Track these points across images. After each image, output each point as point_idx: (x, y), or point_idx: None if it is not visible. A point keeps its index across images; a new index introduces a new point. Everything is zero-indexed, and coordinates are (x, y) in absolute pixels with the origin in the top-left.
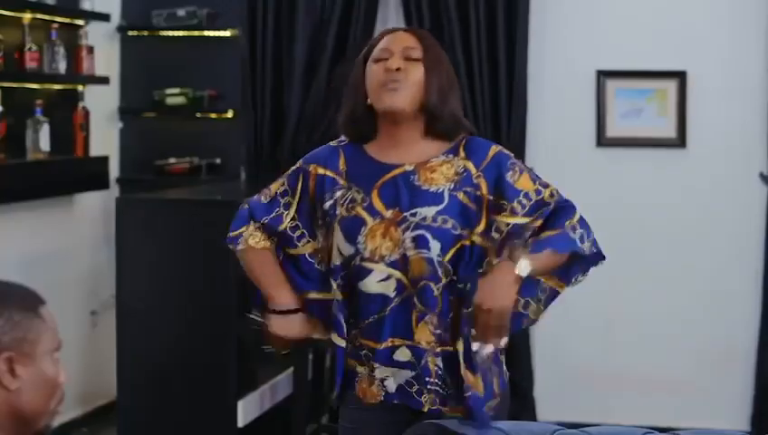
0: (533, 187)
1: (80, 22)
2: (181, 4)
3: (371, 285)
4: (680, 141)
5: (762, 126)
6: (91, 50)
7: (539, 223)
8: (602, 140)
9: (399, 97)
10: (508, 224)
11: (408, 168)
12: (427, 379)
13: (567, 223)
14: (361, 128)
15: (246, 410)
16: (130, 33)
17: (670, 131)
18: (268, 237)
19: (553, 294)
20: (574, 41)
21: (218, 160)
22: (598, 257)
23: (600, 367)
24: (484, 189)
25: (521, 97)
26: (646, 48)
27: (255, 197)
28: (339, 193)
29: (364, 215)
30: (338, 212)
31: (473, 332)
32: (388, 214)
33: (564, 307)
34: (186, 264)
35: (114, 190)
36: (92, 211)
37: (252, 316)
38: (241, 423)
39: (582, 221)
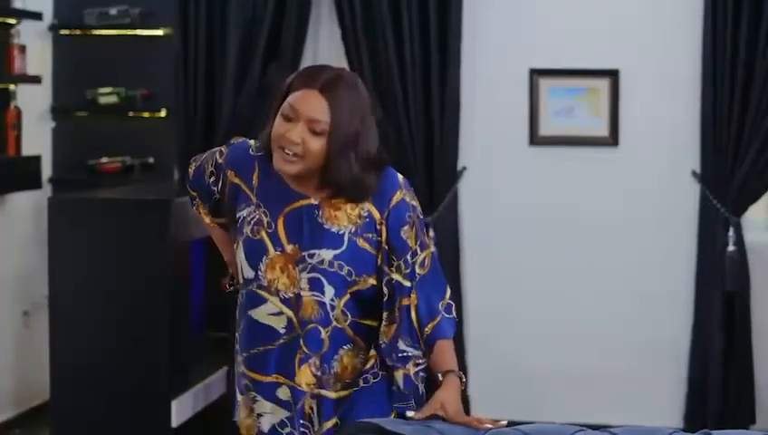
0: (413, 247)
1: (11, 20)
2: (113, 3)
3: (263, 315)
4: (613, 140)
5: (694, 124)
6: (22, 49)
7: (414, 300)
8: (535, 139)
9: (293, 168)
10: (394, 280)
11: (314, 201)
12: (300, 421)
13: (441, 304)
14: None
15: (180, 409)
16: (62, 31)
17: (603, 130)
18: (209, 212)
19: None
20: (507, 40)
21: (151, 160)
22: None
23: (534, 365)
24: (384, 238)
25: (454, 97)
26: (578, 47)
27: (196, 174)
28: (247, 211)
29: (267, 242)
30: (244, 230)
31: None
32: (289, 248)
33: (498, 305)
34: (118, 263)
35: (47, 190)
36: (24, 211)
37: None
38: (175, 423)
39: (446, 321)
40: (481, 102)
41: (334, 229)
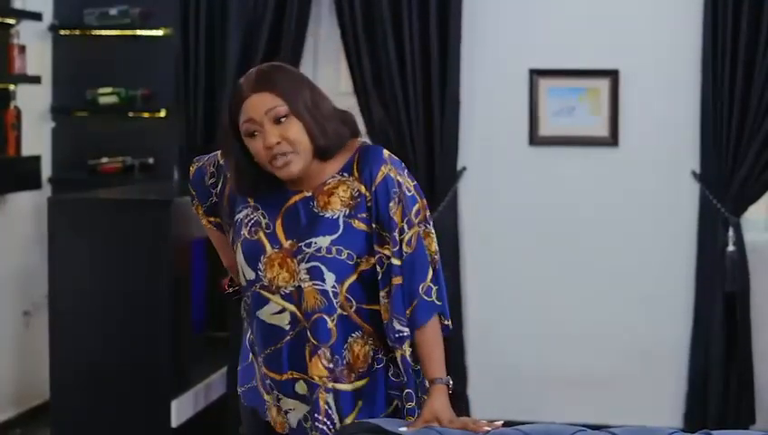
0: (399, 224)
1: (11, 21)
2: (113, 3)
3: (267, 315)
4: (613, 140)
5: (694, 124)
6: (22, 49)
7: (398, 280)
8: (535, 139)
9: (295, 166)
10: (386, 256)
11: (307, 193)
12: (316, 415)
13: (421, 287)
14: (257, 182)
15: (180, 409)
16: (62, 32)
17: (603, 130)
18: (205, 213)
19: None
20: (507, 40)
21: (151, 160)
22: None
23: (534, 366)
24: (373, 216)
25: (453, 96)
26: (578, 47)
27: (200, 164)
28: (244, 212)
29: (264, 241)
30: (242, 232)
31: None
32: (287, 244)
33: (498, 305)
34: (118, 263)
35: (46, 190)
36: (24, 211)
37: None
38: (175, 423)
39: (429, 305)
40: (481, 102)
41: (329, 215)
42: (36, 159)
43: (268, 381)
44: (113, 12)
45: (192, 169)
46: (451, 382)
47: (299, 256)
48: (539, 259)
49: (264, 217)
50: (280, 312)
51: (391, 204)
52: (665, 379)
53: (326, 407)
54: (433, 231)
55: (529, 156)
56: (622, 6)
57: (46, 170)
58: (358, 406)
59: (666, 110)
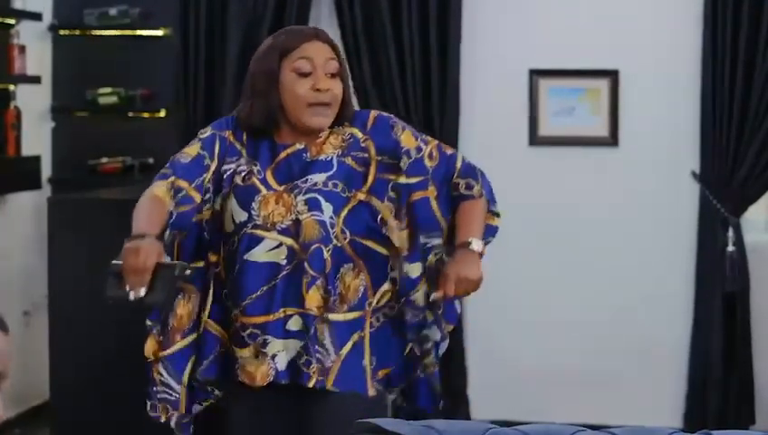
0: (415, 143)
1: (11, 21)
2: (113, 3)
3: (261, 254)
4: (613, 140)
5: (694, 125)
6: (22, 49)
7: (433, 192)
8: (535, 139)
9: (327, 120)
10: (401, 183)
11: (299, 146)
12: (315, 347)
13: (458, 186)
14: (268, 125)
15: None
16: (62, 32)
17: (603, 130)
18: (172, 196)
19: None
20: (506, 40)
21: (151, 160)
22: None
23: (534, 365)
24: (372, 152)
25: (453, 96)
26: (578, 47)
27: (174, 159)
28: (236, 163)
29: (259, 185)
30: (234, 180)
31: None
32: (280, 188)
33: (498, 306)
34: None
35: (46, 190)
36: (24, 211)
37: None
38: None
39: (466, 168)
40: (481, 103)
41: (322, 158)
42: (36, 159)
43: (248, 331)
44: (113, 12)
45: (167, 170)
46: (482, 250)
47: (295, 191)
48: (539, 259)
49: (256, 166)
50: (277, 247)
51: (394, 131)
52: (664, 379)
53: (322, 337)
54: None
55: (529, 156)
56: (622, 6)
57: (46, 170)
58: (353, 339)
59: (666, 110)
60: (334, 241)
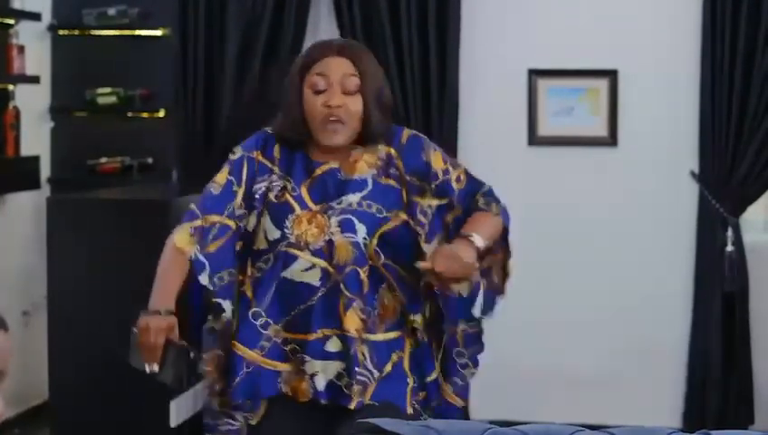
0: (443, 166)
1: (10, 21)
2: (112, 3)
3: (297, 273)
4: (612, 140)
5: (693, 124)
6: (21, 49)
7: (458, 211)
8: (534, 139)
9: (341, 137)
10: (430, 206)
11: (334, 165)
12: (356, 368)
13: (477, 202)
14: (298, 139)
15: (179, 409)
16: (61, 32)
17: (602, 130)
18: (195, 241)
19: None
20: (506, 40)
21: (150, 160)
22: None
23: (533, 365)
24: (403, 170)
25: (452, 96)
26: (577, 47)
27: (205, 191)
28: (268, 181)
29: (293, 203)
30: (267, 198)
31: (421, 263)
32: (315, 208)
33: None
34: (117, 263)
35: (45, 190)
36: (23, 211)
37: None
38: (173, 423)
39: (490, 192)
40: (480, 103)
41: (356, 177)
42: (35, 159)
43: (290, 346)
44: (112, 12)
45: (193, 207)
46: (480, 245)
47: (329, 212)
48: (538, 259)
49: (290, 183)
50: (310, 268)
51: (425, 153)
52: (664, 379)
53: (363, 358)
54: None
55: (528, 156)
56: (622, 6)
57: (45, 170)
58: (392, 360)
59: (665, 110)
60: (369, 261)
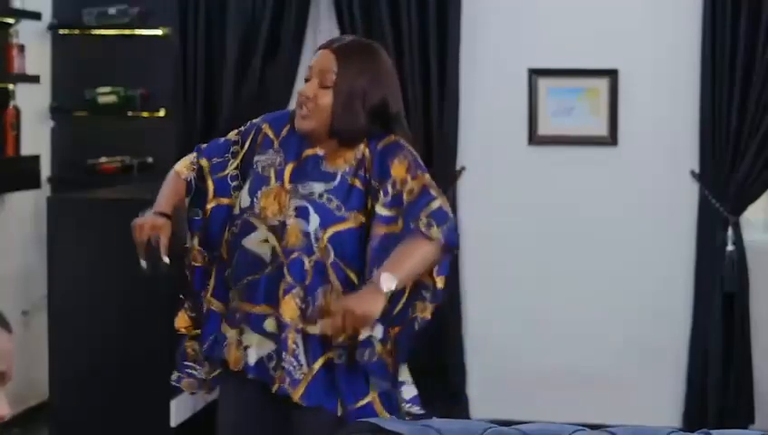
0: (403, 176)
1: (10, 20)
2: (112, 3)
3: (254, 243)
4: (612, 139)
5: (693, 124)
6: (21, 48)
7: (399, 225)
8: (534, 139)
9: (306, 124)
10: (378, 214)
11: (320, 152)
12: (283, 355)
13: (419, 221)
14: None
15: (179, 409)
16: (61, 31)
17: (602, 129)
18: (194, 169)
19: (430, 288)
20: (506, 40)
21: (150, 159)
22: (450, 246)
23: (533, 365)
24: (371, 175)
25: (453, 96)
26: (577, 47)
27: (215, 140)
28: (266, 155)
29: (272, 176)
30: (257, 170)
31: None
32: (288, 185)
33: (497, 306)
34: (117, 263)
35: (45, 190)
36: (24, 211)
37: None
38: (174, 423)
39: (437, 212)
40: (480, 102)
41: (330, 170)
42: (35, 159)
43: (238, 315)
44: (112, 11)
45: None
46: (390, 288)
47: (292, 193)
48: (538, 259)
49: (281, 157)
50: (264, 241)
51: (396, 161)
52: (664, 378)
53: (294, 347)
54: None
55: (528, 155)
56: (622, 6)
57: (45, 170)
58: (326, 356)
59: (665, 109)
60: (317, 253)
